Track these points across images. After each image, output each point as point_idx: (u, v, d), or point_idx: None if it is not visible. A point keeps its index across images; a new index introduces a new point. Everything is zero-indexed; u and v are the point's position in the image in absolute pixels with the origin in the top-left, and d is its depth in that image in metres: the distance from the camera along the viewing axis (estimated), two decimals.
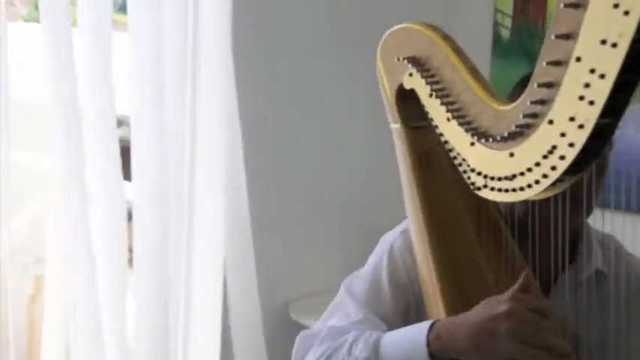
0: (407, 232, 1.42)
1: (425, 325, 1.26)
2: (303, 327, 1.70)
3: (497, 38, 2.70)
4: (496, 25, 2.73)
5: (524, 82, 1.28)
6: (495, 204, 1.32)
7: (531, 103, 1.14)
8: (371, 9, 2.71)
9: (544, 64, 1.12)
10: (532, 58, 2.58)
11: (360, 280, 1.45)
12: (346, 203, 2.84)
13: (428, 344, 1.24)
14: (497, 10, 2.73)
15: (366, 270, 1.46)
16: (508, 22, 2.69)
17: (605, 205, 1.33)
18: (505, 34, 2.70)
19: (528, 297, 1.21)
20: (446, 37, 1.31)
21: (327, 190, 2.80)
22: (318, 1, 2.67)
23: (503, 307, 1.19)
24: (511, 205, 1.31)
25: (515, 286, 1.22)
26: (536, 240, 1.27)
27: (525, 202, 1.21)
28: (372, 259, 1.47)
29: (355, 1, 2.74)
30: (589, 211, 1.36)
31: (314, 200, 2.77)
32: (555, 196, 1.19)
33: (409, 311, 1.40)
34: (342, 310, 1.43)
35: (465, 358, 1.22)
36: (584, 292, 1.34)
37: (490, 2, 2.74)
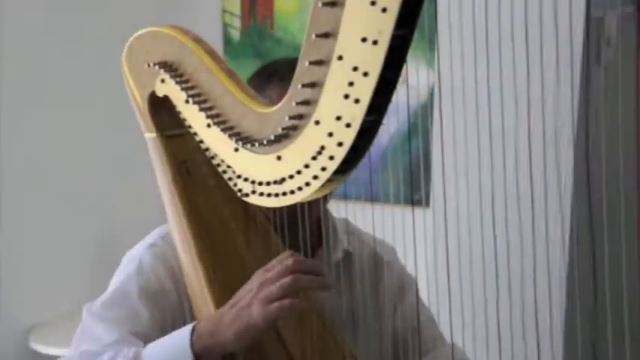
0: (156, 245, 1.36)
1: (187, 327, 1.24)
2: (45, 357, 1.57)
3: (227, 39, 2.70)
4: (225, 26, 2.72)
5: (261, 76, 1.32)
6: (264, 208, 1.29)
7: (296, 104, 1.11)
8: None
9: (306, 64, 1.09)
10: (264, 58, 2.61)
11: (106, 302, 1.35)
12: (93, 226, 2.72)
13: (191, 345, 1.21)
14: (225, 11, 2.72)
15: (111, 291, 1.37)
16: (237, 22, 2.69)
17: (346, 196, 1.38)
18: (235, 34, 2.70)
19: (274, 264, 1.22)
20: (198, 40, 1.26)
21: (71, 208, 2.67)
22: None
23: (253, 283, 1.20)
24: (280, 208, 1.29)
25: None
26: (297, 230, 1.29)
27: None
28: (116, 279, 1.38)
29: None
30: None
31: (58, 220, 2.62)
32: None
33: (167, 322, 1.34)
34: (92, 335, 1.33)
35: (229, 349, 1.21)
36: (334, 274, 1.40)
37: (218, 3, 2.73)
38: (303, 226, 1.26)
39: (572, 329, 1.60)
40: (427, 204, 1.84)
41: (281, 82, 1.30)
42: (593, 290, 1.20)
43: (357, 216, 1.49)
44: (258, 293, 1.19)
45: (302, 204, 1.21)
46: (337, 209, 1.48)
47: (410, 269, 1.53)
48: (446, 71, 1.60)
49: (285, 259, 1.22)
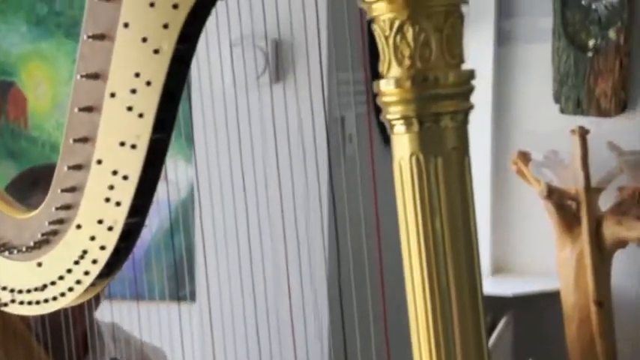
0: None
1: None
2: None
3: None
4: None
5: (23, 182, 1.30)
6: (23, 317, 1.26)
7: (56, 209, 1.11)
8: None
9: (65, 168, 1.10)
10: (19, 159, 2.54)
11: None
12: None
13: None
14: None
15: None
16: None
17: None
18: None
19: None
20: None
21: None
22: None
23: None
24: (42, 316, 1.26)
25: None
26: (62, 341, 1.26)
27: None
28: None
29: None
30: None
31: None
32: None
33: None
34: None
35: None
36: None
37: None
38: (67, 335, 1.24)
39: None
40: (193, 299, 1.87)
41: (46, 188, 1.29)
42: None
43: (124, 315, 1.48)
44: None
45: (65, 311, 1.19)
46: (102, 310, 1.47)
47: None
48: (203, 166, 1.66)
49: None
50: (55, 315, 1.21)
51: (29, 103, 2.57)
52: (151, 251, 1.74)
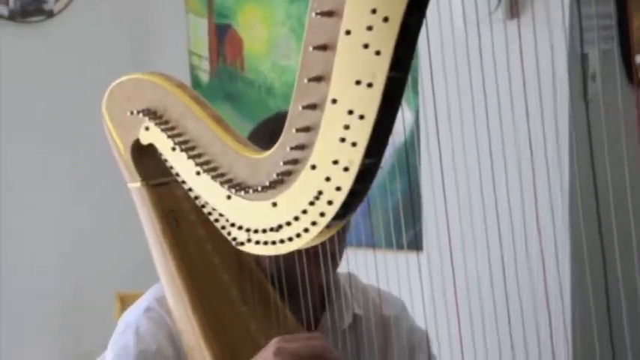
0: (152, 309, 1.33)
1: None
2: None
3: (196, 82, 2.71)
4: (193, 68, 2.73)
5: (268, 127, 1.28)
6: (258, 258, 1.29)
7: (290, 149, 1.12)
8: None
9: (299, 108, 1.10)
10: (235, 101, 2.62)
11: None
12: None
13: None
14: (192, 53, 2.73)
15: None
16: (206, 65, 2.70)
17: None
18: (204, 77, 2.71)
19: (296, 335, 1.20)
20: (182, 86, 1.26)
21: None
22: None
23: (270, 349, 1.16)
24: (276, 259, 1.28)
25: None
26: (298, 293, 1.27)
27: (291, 254, 1.20)
28: (111, 353, 1.33)
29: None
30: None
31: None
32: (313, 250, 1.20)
33: None
34: None
35: None
36: (345, 340, 1.35)
37: (184, 45, 2.74)
38: (303, 286, 1.24)
39: None
40: (419, 247, 1.84)
41: None
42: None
43: (344, 264, 1.45)
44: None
45: (300, 256, 1.20)
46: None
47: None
48: (430, 109, 1.62)
49: (312, 338, 1.20)
50: (290, 264, 1.23)
51: (245, 45, 2.63)
52: (373, 196, 1.73)
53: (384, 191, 1.51)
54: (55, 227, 2.73)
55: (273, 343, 1.18)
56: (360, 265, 1.35)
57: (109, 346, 1.35)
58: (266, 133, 1.26)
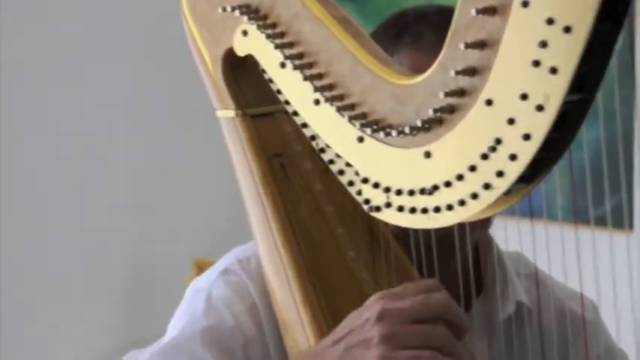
0: (231, 272, 1.06)
1: None
2: None
3: None
4: None
5: (388, 31, 1.04)
6: (397, 228, 0.97)
7: (456, 73, 0.81)
8: None
9: (472, 11, 0.80)
10: (362, 2, 2.43)
11: (159, 354, 1.04)
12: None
13: None
14: None
15: (170, 339, 1.06)
16: None
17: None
18: None
19: (406, 286, 0.91)
20: None
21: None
22: None
23: (373, 312, 0.88)
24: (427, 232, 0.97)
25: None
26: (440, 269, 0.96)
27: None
28: (177, 321, 1.08)
29: None
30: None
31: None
32: None
33: None
34: None
35: None
36: (502, 336, 1.07)
37: None
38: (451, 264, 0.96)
39: None
40: (626, 224, 1.50)
41: (416, 42, 1.00)
42: None
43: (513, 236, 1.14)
44: (383, 329, 0.87)
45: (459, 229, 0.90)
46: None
47: None
48: None
49: (430, 287, 0.89)
50: (443, 234, 0.91)
51: None
52: None
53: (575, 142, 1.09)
54: (127, 176, 2.71)
55: (374, 302, 0.89)
56: (539, 244, 1.01)
57: (170, 324, 1.08)
58: (389, 31, 1.01)
